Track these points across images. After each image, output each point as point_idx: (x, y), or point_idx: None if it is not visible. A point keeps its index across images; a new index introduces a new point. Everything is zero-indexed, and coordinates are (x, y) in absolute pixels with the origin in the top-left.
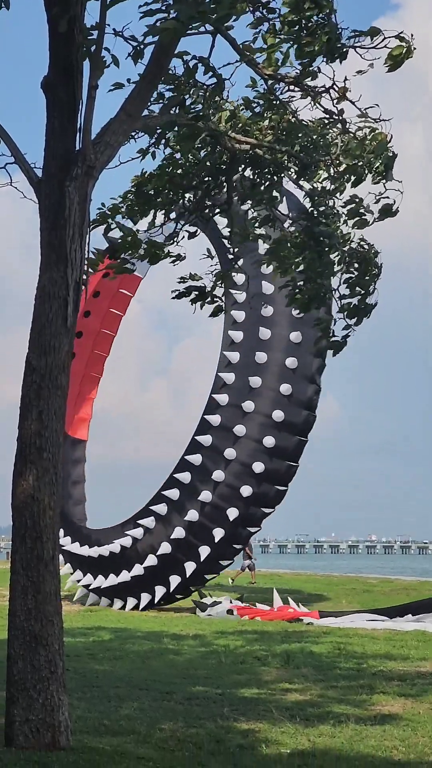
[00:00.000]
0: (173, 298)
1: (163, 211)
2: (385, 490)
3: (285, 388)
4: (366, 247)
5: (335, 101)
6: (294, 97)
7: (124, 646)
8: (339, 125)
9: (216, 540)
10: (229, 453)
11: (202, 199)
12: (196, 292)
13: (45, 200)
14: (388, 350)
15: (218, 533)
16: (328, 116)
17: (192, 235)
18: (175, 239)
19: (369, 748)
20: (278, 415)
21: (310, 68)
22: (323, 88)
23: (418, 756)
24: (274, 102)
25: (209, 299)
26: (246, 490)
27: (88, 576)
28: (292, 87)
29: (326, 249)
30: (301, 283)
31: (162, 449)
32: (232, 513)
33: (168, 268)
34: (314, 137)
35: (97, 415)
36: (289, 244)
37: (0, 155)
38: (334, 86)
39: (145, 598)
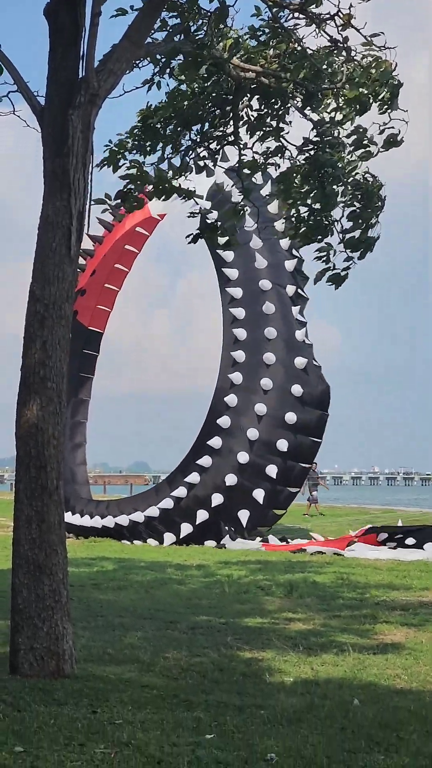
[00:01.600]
0: (189, 242)
1: (171, 145)
2: (389, 420)
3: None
4: (370, 179)
5: (340, 28)
6: (299, 24)
7: (127, 576)
8: (344, 53)
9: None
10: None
11: (209, 131)
12: (208, 230)
13: (48, 129)
14: (393, 278)
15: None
16: (332, 44)
17: (200, 169)
18: (184, 173)
19: (371, 677)
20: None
21: None
22: (328, 15)
23: (421, 684)
24: (279, 30)
25: (221, 234)
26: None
27: None
28: (296, 14)
29: (330, 179)
30: (305, 215)
31: (165, 381)
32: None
33: (170, 199)
34: (319, 65)
35: (102, 344)
36: (295, 175)
37: (2, 84)
38: (339, 13)
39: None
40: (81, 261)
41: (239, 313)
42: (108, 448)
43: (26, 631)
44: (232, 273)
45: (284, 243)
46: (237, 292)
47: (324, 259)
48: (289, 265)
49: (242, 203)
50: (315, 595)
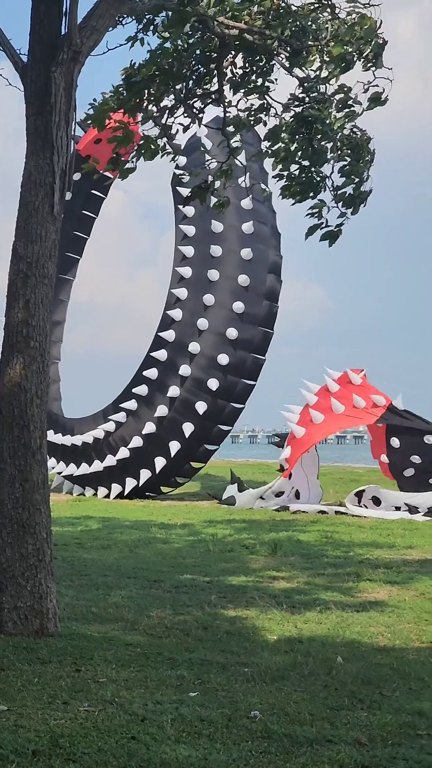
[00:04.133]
0: (184, 206)
1: (155, 104)
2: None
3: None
4: (358, 133)
5: None
6: None
7: (112, 535)
8: (328, 10)
9: (186, 435)
10: (194, 347)
11: (193, 89)
12: (200, 190)
13: (31, 86)
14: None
15: (188, 428)
16: (317, 1)
17: (186, 128)
18: (169, 132)
19: (354, 634)
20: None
21: None
22: None
23: (403, 642)
24: None
25: (212, 192)
26: (213, 384)
27: (61, 464)
28: None
29: (318, 136)
30: (295, 172)
31: (150, 339)
32: (201, 407)
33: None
34: (304, 22)
35: (85, 304)
36: (283, 134)
37: None
38: None
39: (115, 488)
40: None
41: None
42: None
43: (10, 590)
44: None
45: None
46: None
47: (317, 215)
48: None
49: (228, 162)
50: (299, 554)
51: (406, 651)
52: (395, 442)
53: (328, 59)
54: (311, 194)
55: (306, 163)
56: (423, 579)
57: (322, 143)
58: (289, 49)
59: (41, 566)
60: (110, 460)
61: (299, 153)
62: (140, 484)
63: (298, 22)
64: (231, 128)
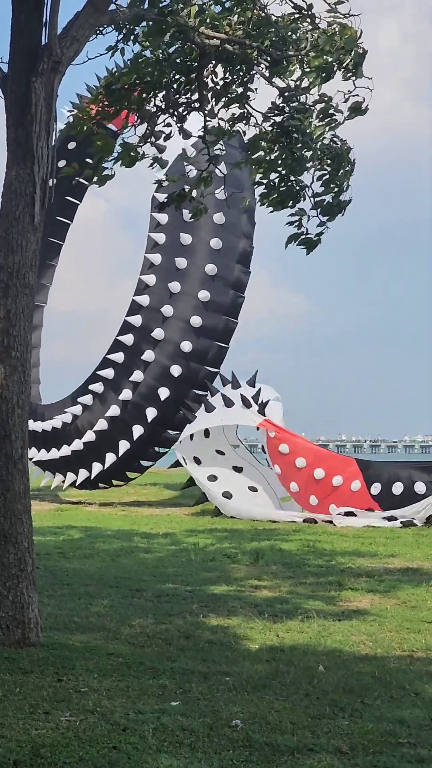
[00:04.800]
0: (158, 211)
1: (136, 112)
2: (356, 388)
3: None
4: (339, 143)
5: None
6: None
7: (94, 544)
8: (308, 20)
9: (149, 420)
10: (158, 333)
11: (174, 98)
12: (177, 198)
13: (11, 96)
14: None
15: (151, 413)
16: (297, 11)
17: (167, 136)
18: (149, 140)
19: (336, 643)
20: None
21: None
22: None
23: (385, 650)
24: None
25: (189, 200)
26: (176, 370)
27: (32, 449)
28: None
29: (299, 145)
30: (275, 181)
31: None
32: (164, 393)
33: (137, 166)
34: (284, 33)
35: (67, 313)
36: (263, 142)
37: None
38: None
39: (82, 474)
40: None
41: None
42: None
43: None
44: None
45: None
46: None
47: (297, 224)
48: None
49: (208, 170)
50: (281, 563)
51: (388, 659)
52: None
53: (308, 69)
54: (290, 203)
55: (285, 171)
56: (405, 587)
57: (303, 152)
58: (269, 59)
59: (23, 576)
60: (77, 444)
61: (279, 162)
62: (105, 468)
63: (278, 33)
64: (211, 136)
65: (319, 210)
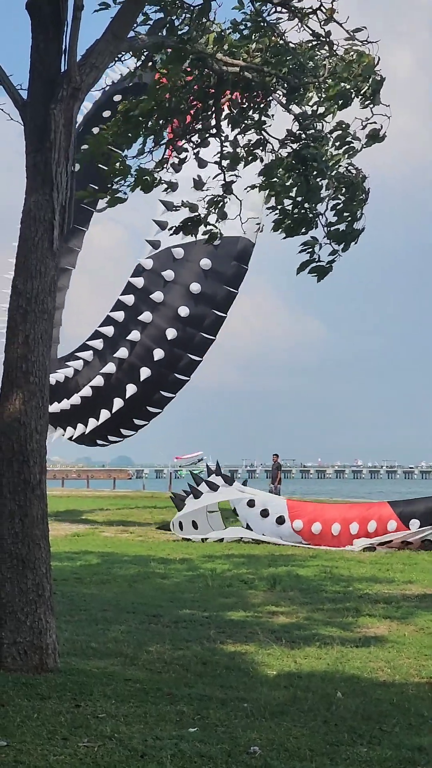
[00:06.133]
0: (171, 234)
1: (152, 137)
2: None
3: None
4: (354, 171)
5: (322, 23)
6: (281, 18)
7: (111, 570)
8: (326, 47)
9: (141, 379)
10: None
11: (191, 124)
12: (190, 223)
13: (30, 123)
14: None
15: (144, 373)
16: (315, 38)
17: (182, 162)
18: (165, 166)
19: (354, 670)
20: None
21: None
22: (310, 10)
23: (403, 677)
24: (261, 24)
25: (203, 226)
26: (171, 333)
27: None
28: (279, 8)
29: (314, 173)
30: (289, 207)
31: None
32: (158, 354)
33: (154, 192)
34: (302, 60)
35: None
36: (279, 169)
37: None
38: (322, 7)
39: (80, 428)
40: None
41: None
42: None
43: (9, 625)
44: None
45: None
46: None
47: (309, 251)
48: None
49: (223, 195)
50: (298, 589)
51: (406, 686)
52: None
53: (325, 96)
54: (304, 230)
55: (300, 198)
56: (422, 614)
57: (318, 180)
58: (286, 85)
59: (41, 601)
60: (75, 399)
61: (294, 189)
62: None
63: (296, 60)
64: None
65: (332, 238)
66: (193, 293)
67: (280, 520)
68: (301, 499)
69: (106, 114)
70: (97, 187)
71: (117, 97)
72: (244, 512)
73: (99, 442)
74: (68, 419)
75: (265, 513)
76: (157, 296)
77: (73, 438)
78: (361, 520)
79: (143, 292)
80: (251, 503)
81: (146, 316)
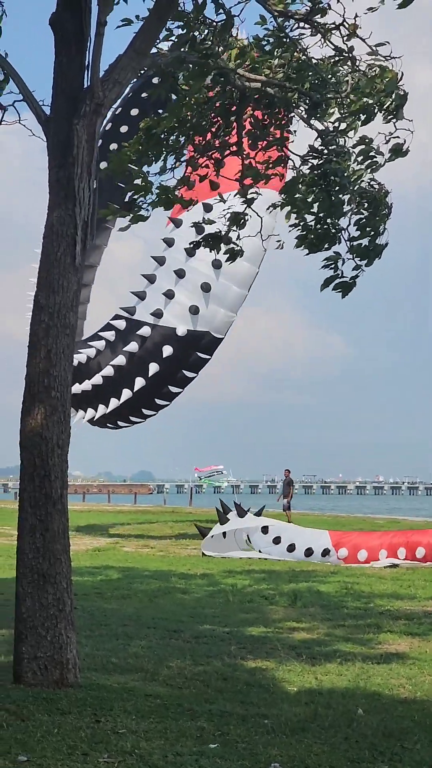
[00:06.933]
0: (190, 248)
1: (174, 154)
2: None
3: None
4: (376, 186)
5: (345, 38)
6: (304, 34)
7: (131, 584)
8: (349, 63)
9: (150, 374)
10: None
11: (212, 141)
12: (211, 239)
13: (53, 138)
14: (394, 283)
15: (153, 368)
16: (337, 54)
17: (203, 178)
18: (187, 183)
19: (375, 686)
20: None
21: (320, 5)
22: (333, 25)
23: (425, 694)
24: (284, 39)
25: (225, 242)
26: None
27: None
28: (301, 24)
29: (336, 188)
30: (312, 223)
31: (186, 395)
32: (167, 350)
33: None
34: (324, 75)
35: None
36: (301, 185)
37: (8, 93)
38: (345, 23)
39: (90, 412)
40: None
41: None
42: (112, 457)
43: (30, 639)
44: None
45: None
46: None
47: (332, 267)
48: None
49: (244, 213)
50: (319, 605)
51: (428, 703)
52: None
53: (346, 113)
54: (326, 245)
55: (322, 214)
56: None
57: (340, 195)
58: (308, 101)
59: (61, 616)
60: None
61: (316, 204)
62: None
63: (318, 75)
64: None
65: (355, 254)
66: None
67: (325, 553)
68: (321, 515)
69: (123, 129)
70: (117, 206)
71: (134, 111)
72: (277, 552)
73: (120, 423)
74: (89, 401)
75: (309, 552)
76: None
77: (95, 419)
78: (409, 546)
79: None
80: (291, 548)
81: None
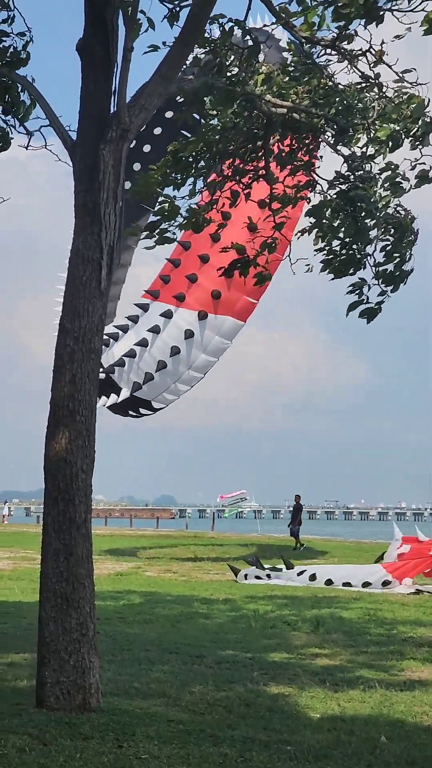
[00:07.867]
0: (221, 275)
1: (201, 178)
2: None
3: None
4: (402, 212)
5: (372, 65)
6: (330, 60)
7: (154, 609)
8: (375, 89)
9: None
10: None
11: (240, 166)
12: (240, 264)
13: (79, 163)
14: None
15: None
16: (364, 80)
17: (232, 202)
18: (215, 206)
19: (398, 714)
20: None
21: (347, 31)
22: (360, 52)
23: None
24: (311, 65)
25: (254, 266)
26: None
27: None
28: (328, 50)
29: (363, 214)
30: (337, 248)
31: (190, 416)
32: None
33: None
34: (351, 101)
35: None
36: (327, 210)
37: (35, 118)
38: (371, 50)
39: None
40: None
41: None
42: (134, 481)
43: (53, 664)
44: None
45: None
46: None
47: (357, 292)
48: None
49: (274, 237)
50: (342, 631)
51: None
52: None
53: (374, 138)
54: (352, 271)
55: (348, 239)
56: None
57: (366, 221)
58: (335, 127)
59: (84, 640)
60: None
61: (342, 229)
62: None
63: (345, 101)
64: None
65: (380, 279)
66: None
67: (386, 583)
68: (344, 540)
69: (146, 149)
70: (141, 225)
71: (157, 130)
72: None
73: (143, 411)
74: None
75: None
76: None
77: (106, 406)
78: None
79: None
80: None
81: None
